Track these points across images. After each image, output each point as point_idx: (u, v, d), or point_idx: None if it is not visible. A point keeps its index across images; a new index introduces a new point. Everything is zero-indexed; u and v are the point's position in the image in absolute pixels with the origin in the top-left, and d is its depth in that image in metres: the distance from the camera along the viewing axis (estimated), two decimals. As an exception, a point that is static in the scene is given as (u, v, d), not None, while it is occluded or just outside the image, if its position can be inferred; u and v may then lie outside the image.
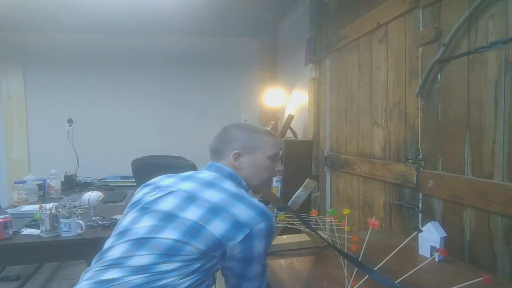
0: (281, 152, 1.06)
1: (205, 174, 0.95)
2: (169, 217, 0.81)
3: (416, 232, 1.04)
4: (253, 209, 0.84)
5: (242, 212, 0.82)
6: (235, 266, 0.84)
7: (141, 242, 0.78)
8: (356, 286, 0.82)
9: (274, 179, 2.97)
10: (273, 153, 1.01)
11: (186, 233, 0.78)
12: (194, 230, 0.79)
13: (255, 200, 0.87)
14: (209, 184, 0.89)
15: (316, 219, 1.12)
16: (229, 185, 0.90)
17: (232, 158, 0.97)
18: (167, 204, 0.84)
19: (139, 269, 0.74)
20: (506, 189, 1.07)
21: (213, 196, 0.85)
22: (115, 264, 0.76)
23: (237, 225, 0.80)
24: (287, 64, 3.47)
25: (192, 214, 0.81)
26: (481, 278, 0.79)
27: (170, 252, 0.76)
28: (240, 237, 0.80)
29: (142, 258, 0.75)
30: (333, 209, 0.97)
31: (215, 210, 0.81)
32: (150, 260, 0.75)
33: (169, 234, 0.78)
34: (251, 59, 3.89)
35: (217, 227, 0.79)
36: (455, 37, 1.26)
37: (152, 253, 0.76)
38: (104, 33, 3.50)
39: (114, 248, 0.80)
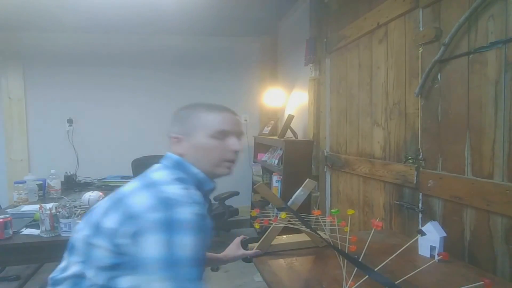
0: (233, 129, 0.88)
1: (153, 168, 0.86)
2: (95, 226, 0.73)
3: (419, 235, 1.03)
4: (155, 198, 0.70)
5: (140, 200, 0.70)
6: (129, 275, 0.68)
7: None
8: (354, 287, 0.82)
9: (274, 178, 2.97)
10: (216, 130, 0.85)
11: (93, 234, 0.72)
12: (97, 229, 0.71)
13: (172, 188, 0.73)
14: (141, 179, 0.80)
15: (318, 218, 1.11)
16: (159, 175, 0.80)
17: (173, 144, 0.88)
18: (96, 211, 0.77)
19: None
20: (506, 189, 1.07)
21: (125, 189, 0.76)
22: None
23: (128, 216, 0.68)
24: (287, 64, 3.47)
25: (108, 219, 0.71)
26: (482, 282, 0.79)
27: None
28: (129, 230, 0.66)
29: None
30: (337, 209, 0.96)
31: (114, 203, 0.73)
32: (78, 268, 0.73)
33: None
34: (251, 59, 3.89)
35: (108, 220, 0.69)
36: (455, 37, 1.26)
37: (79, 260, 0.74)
38: (104, 33, 3.50)
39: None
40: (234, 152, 0.87)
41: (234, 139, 0.88)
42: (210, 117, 0.88)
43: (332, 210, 0.94)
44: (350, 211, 0.97)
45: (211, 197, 1.01)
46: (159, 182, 0.76)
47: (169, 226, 0.66)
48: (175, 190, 0.73)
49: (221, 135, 0.86)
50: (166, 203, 0.69)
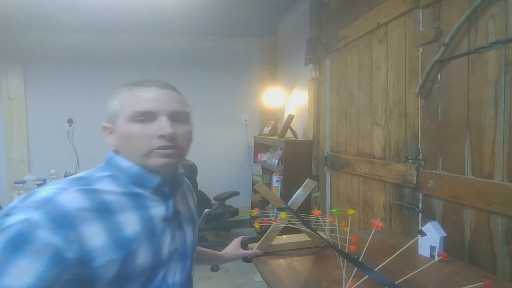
0: (159, 108, 0.71)
1: None
2: None
3: (420, 235, 1.03)
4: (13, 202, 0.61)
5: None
6: None
7: None
8: (353, 287, 0.82)
9: (274, 178, 2.97)
10: (134, 111, 0.69)
11: None
12: None
13: (41, 192, 0.62)
14: None
15: (318, 217, 1.11)
16: (79, 174, 0.72)
17: (105, 136, 0.76)
18: None
19: None
20: (506, 189, 1.07)
21: None
22: None
23: None
24: (287, 64, 3.47)
25: None
26: (482, 283, 0.79)
27: None
28: None
29: None
30: (337, 209, 0.95)
31: None
32: None
33: None
34: (251, 59, 3.90)
35: None
36: (455, 37, 1.26)
37: None
38: (104, 33, 3.51)
39: None
40: (162, 138, 0.69)
41: (162, 121, 0.70)
42: (129, 95, 0.72)
43: (333, 210, 0.93)
44: (351, 211, 0.96)
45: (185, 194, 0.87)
46: (51, 184, 0.66)
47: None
48: (38, 195, 0.61)
49: (143, 116, 0.70)
50: (6, 209, 0.59)
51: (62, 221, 0.58)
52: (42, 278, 0.54)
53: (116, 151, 0.76)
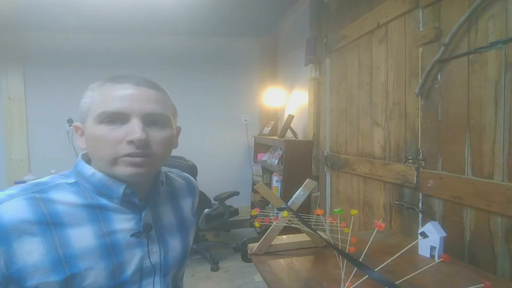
0: (131, 108, 0.61)
1: None
2: None
3: (422, 237, 1.03)
4: None
5: None
6: None
7: None
8: (352, 287, 0.82)
9: (274, 178, 2.97)
10: (101, 111, 0.61)
11: None
12: None
13: None
14: None
15: (318, 217, 1.11)
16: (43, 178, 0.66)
17: (76, 137, 0.69)
18: None
19: None
20: (506, 189, 1.07)
21: None
22: None
23: None
24: (287, 64, 3.47)
25: None
26: (482, 285, 0.79)
27: None
28: None
29: None
30: (340, 208, 0.95)
31: None
32: None
33: None
34: (251, 59, 3.90)
35: None
36: (455, 37, 1.26)
37: None
38: (104, 33, 3.51)
39: None
40: (132, 144, 0.60)
41: (134, 124, 0.61)
42: (99, 93, 0.64)
43: (336, 210, 0.93)
44: (354, 211, 0.95)
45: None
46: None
47: None
48: None
49: (111, 118, 0.61)
50: None
51: None
52: None
53: (84, 155, 0.69)
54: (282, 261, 1.12)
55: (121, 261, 0.64)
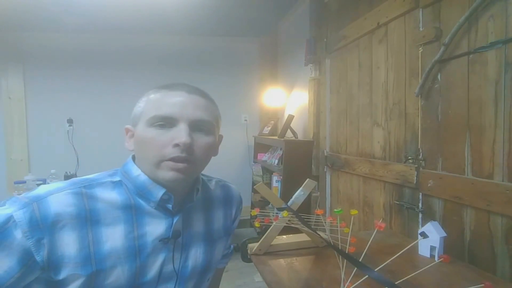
0: (180, 114, 0.65)
1: None
2: None
3: (422, 237, 1.03)
4: None
5: None
6: None
7: None
8: (352, 287, 0.82)
9: (274, 178, 2.97)
10: (153, 115, 0.64)
11: None
12: None
13: (39, 190, 0.63)
14: None
15: (318, 217, 1.11)
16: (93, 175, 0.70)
17: (126, 139, 0.72)
18: None
19: None
20: (506, 189, 1.07)
21: None
22: None
23: None
24: (287, 64, 3.47)
25: None
26: (482, 285, 0.79)
27: None
28: None
29: None
30: (340, 209, 0.94)
31: None
32: None
33: None
34: (251, 59, 3.90)
35: None
36: (455, 37, 1.26)
37: None
38: (104, 33, 3.51)
39: None
40: (177, 147, 0.63)
41: (181, 128, 0.63)
42: (152, 98, 0.67)
43: (336, 210, 0.93)
44: (354, 211, 0.95)
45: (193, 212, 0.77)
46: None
47: None
48: (40, 188, 0.63)
49: (162, 122, 0.64)
50: (11, 197, 0.62)
51: (41, 224, 0.58)
52: (10, 273, 0.56)
53: (134, 157, 0.72)
54: (282, 261, 1.12)
55: (145, 264, 0.66)
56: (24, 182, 2.29)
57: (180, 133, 0.63)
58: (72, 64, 3.50)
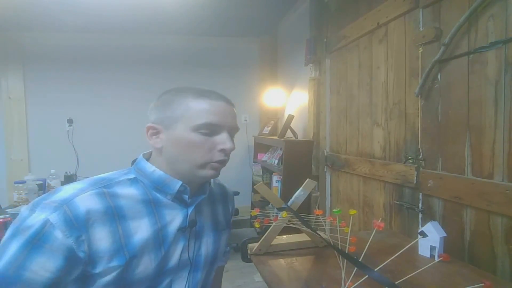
0: (224, 123, 0.72)
1: None
2: None
3: (421, 237, 1.03)
4: None
5: None
6: None
7: None
8: (353, 287, 0.82)
9: (274, 178, 2.97)
10: (202, 122, 0.69)
11: None
12: None
13: (62, 192, 0.66)
14: None
15: (318, 217, 1.11)
16: (107, 174, 0.74)
17: (148, 136, 0.75)
18: None
19: None
20: (506, 189, 1.07)
21: None
22: None
23: None
24: (287, 64, 3.47)
25: None
26: (482, 284, 0.79)
27: None
28: None
29: None
30: (339, 208, 0.94)
31: None
32: None
33: None
34: (251, 59, 3.90)
35: None
36: (455, 37, 1.26)
37: None
38: (104, 33, 3.51)
39: None
40: (223, 152, 0.72)
41: (225, 136, 0.72)
42: (196, 105, 0.71)
43: (335, 210, 0.93)
44: (353, 211, 0.95)
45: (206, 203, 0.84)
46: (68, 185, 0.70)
47: (8, 227, 0.63)
48: (62, 191, 0.66)
49: (208, 129, 0.71)
50: (32, 203, 0.64)
51: (76, 223, 0.62)
52: (57, 273, 0.60)
53: (145, 155, 0.78)
54: (282, 261, 1.12)
55: (168, 253, 0.72)
56: (24, 182, 2.28)
57: (226, 140, 0.72)
58: (72, 64, 3.50)
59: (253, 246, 1.17)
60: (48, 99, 3.48)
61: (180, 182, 0.73)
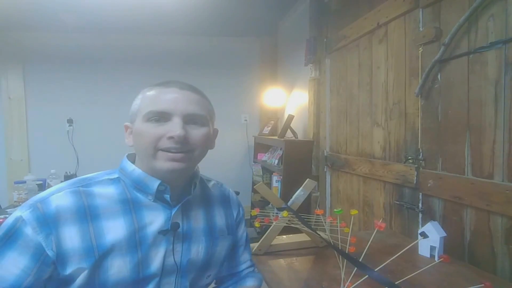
0: (174, 109, 0.69)
1: None
2: None
3: (422, 237, 1.03)
4: None
5: None
6: None
7: None
8: (352, 287, 0.82)
9: (274, 178, 2.97)
10: (148, 111, 0.68)
11: None
12: None
13: (43, 192, 0.67)
14: None
15: (318, 217, 1.11)
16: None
17: (125, 136, 0.75)
18: None
19: None
20: (506, 189, 1.07)
21: None
22: None
23: None
24: (287, 64, 3.47)
25: None
26: (482, 285, 0.79)
27: None
28: None
29: None
30: (340, 209, 0.94)
31: None
32: None
33: None
34: (251, 59, 3.89)
35: None
36: (455, 37, 1.26)
37: None
38: (104, 33, 3.51)
39: None
40: (171, 139, 0.67)
41: (175, 122, 0.68)
42: (147, 95, 0.71)
43: (336, 210, 0.93)
44: (354, 211, 0.95)
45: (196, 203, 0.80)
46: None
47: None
48: (44, 192, 0.67)
49: (157, 116, 0.68)
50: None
51: (45, 221, 0.62)
52: (27, 271, 0.60)
53: (129, 155, 0.77)
54: (282, 261, 1.12)
55: (146, 256, 0.69)
56: (24, 182, 2.28)
57: (174, 127, 0.67)
58: (72, 64, 3.50)
59: (253, 246, 1.17)
60: (48, 99, 3.48)
61: (159, 181, 0.70)
